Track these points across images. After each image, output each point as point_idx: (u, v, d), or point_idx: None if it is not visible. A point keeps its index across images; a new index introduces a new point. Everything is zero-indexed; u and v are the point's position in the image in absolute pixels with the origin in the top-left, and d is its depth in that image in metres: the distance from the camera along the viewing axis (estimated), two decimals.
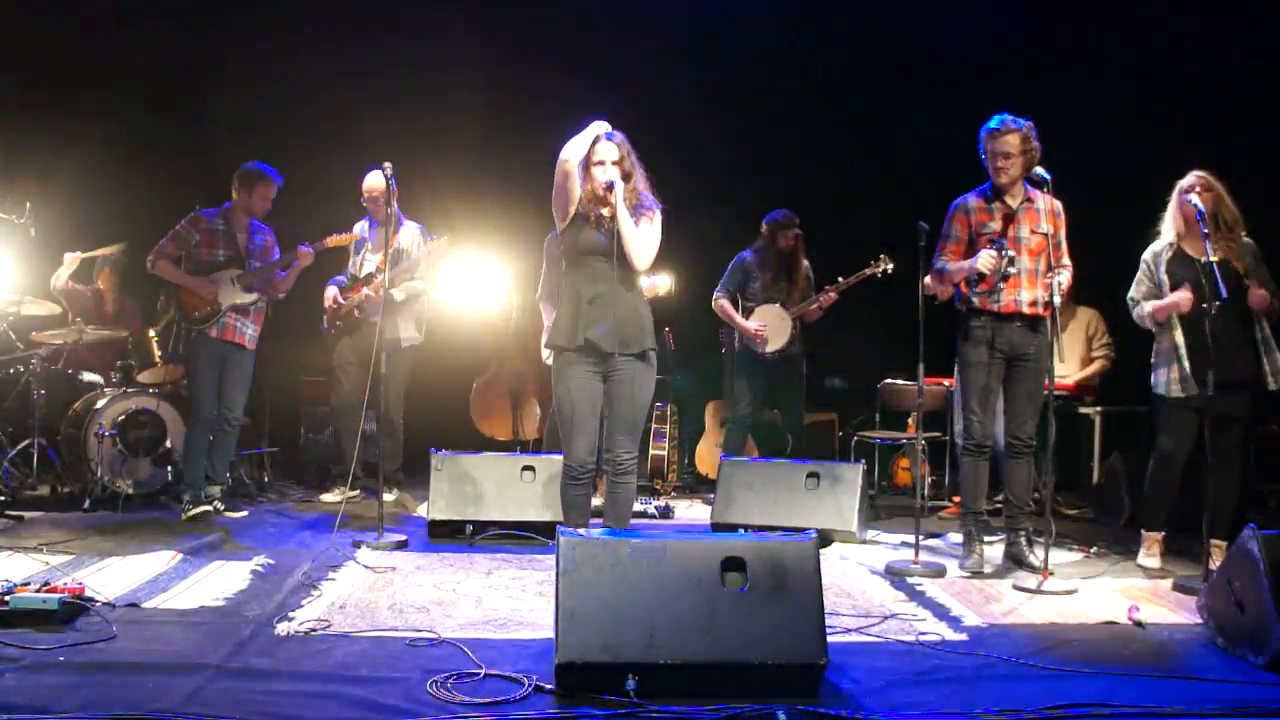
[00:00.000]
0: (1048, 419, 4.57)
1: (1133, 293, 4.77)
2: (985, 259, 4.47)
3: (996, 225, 4.57)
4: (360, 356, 5.97)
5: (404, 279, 6.00)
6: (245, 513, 5.64)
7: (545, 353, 6.01)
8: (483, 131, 7.42)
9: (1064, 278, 4.52)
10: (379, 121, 7.16)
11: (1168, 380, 4.67)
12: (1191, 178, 4.61)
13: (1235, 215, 4.58)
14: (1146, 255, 4.75)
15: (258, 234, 5.65)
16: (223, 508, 5.59)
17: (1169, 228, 4.71)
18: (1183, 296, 4.53)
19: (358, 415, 5.88)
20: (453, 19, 7.44)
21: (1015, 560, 4.69)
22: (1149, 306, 4.67)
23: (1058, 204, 4.58)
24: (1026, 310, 4.55)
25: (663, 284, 5.61)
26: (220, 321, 5.46)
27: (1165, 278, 4.65)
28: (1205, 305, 4.35)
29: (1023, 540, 4.71)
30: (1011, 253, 4.51)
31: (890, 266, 5.90)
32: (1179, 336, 4.62)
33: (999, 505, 5.33)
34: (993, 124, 4.52)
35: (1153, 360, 4.78)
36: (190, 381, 5.66)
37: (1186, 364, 4.58)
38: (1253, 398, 4.62)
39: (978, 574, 4.55)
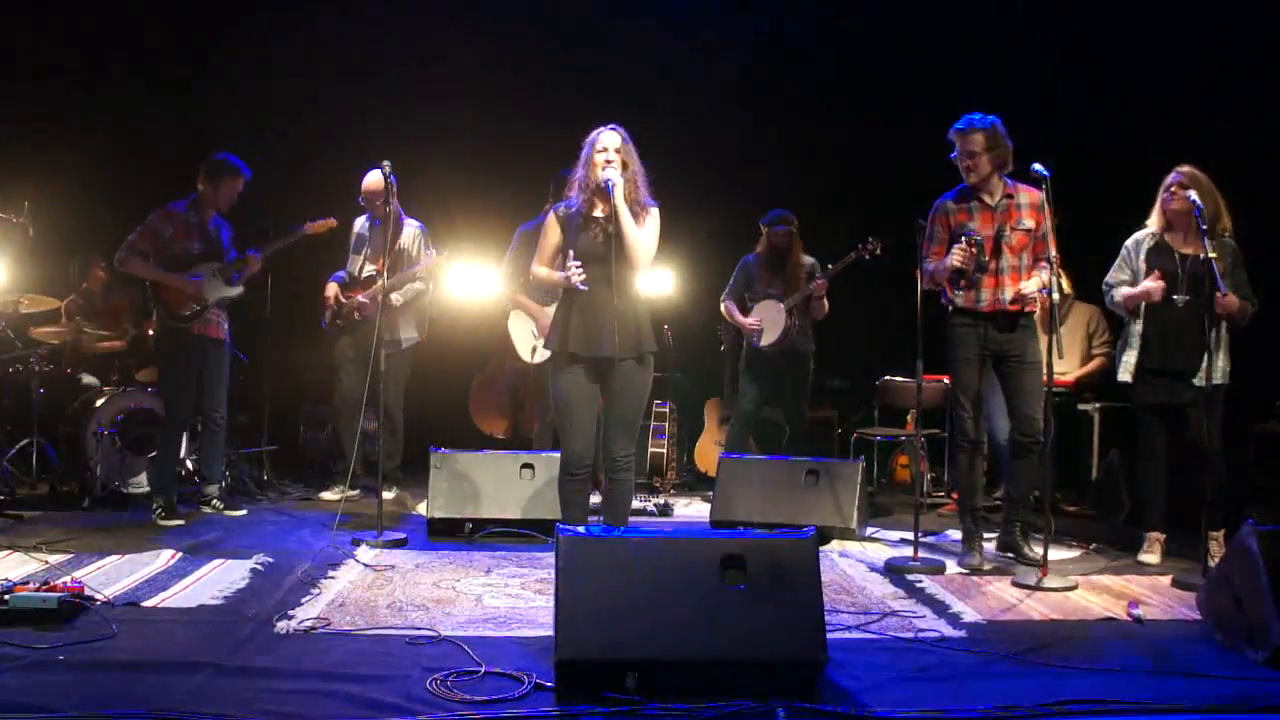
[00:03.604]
0: (1047, 416, 4.58)
1: (1109, 278, 4.84)
2: (955, 253, 4.52)
3: (976, 224, 4.61)
4: (360, 355, 5.94)
5: (405, 282, 5.99)
6: (244, 511, 5.63)
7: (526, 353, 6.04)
8: (483, 130, 7.41)
9: (1045, 275, 4.51)
10: (379, 121, 7.15)
11: (1119, 367, 4.77)
12: (1175, 174, 4.65)
13: (1217, 210, 4.61)
14: (1127, 243, 4.82)
15: (222, 227, 5.55)
16: (221, 506, 5.57)
17: (1153, 223, 4.76)
18: (1154, 285, 4.59)
19: (358, 413, 5.87)
20: (453, 18, 7.44)
21: (1009, 549, 4.76)
22: (1120, 294, 4.74)
23: (1041, 197, 4.50)
24: (1010, 307, 4.59)
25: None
26: (205, 318, 5.38)
27: (1143, 265, 4.71)
28: (1175, 298, 4.47)
29: (1017, 531, 4.78)
30: (979, 238, 4.54)
31: (878, 248, 5.88)
32: (1137, 326, 4.71)
33: (998, 502, 5.33)
34: (959, 124, 4.57)
35: (1118, 347, 4.85)
36: (165, 382, 5.59)
37: (1135, 353, 4.70)
38: (1211, 392, 4.62)
39: (977, 571, 4.55)
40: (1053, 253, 4.55)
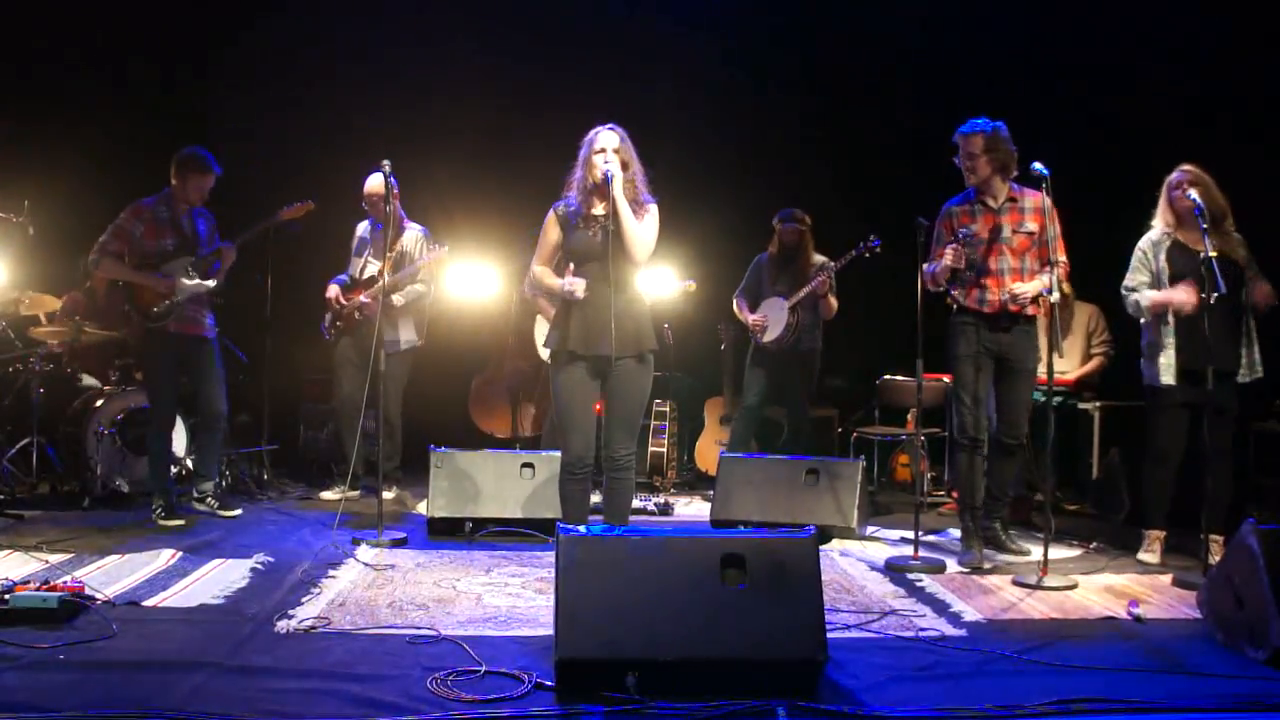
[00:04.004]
0: (1047, 416, 4.60)
1: (1128, 282, 4.81)
2: (948, 253, 4.61)
3: (977, 226, 4.68)
4: (361, 356, 5.92)
5: (406, 283, 5.98)
6: (239, 511, 5.57)
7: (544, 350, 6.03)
8: (483, 131, 7.41)
9: (1058, 272, 4.53)
10: (379, 121, 7.14)
11: (1158, 369, 4.71)
12: (1180, 173, 4.65)
13: (1223, 208, 4.62)
14: (1143, 244, 4.79)
15: (199, 218, 5.38)
16: (215, 504, 5.47)
17: (1160, 221, 4.75)
18: (1187, 299, 4.54)
19: (358, 414, 5.85)
20: (454, 19, 7.43)
21: (990, 543, 4.83)
22: (1147, 299, 4.70)
23: (1047, 201, 4.53)
24: (1010, 308, 4.64)
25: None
26: (181, 315, 5.25)
27: (1165, 266, 4.69)
28: (1204, 296, 4.37)
29: (997, 526, 4.86)
30: (976, 241, 4.59)
31: (878, 244, 5.88)
32: (1169, 326, 4.67)
33: None
34: (962, 128, 4.67)
35: (1143, 351, 4.83)
36: (147, 383, 5.52)
37: (1173, 353, 4.64)
38: (1239, 391, 4.65)
39: (977, 569, 4.56)
40: (1061, 257, 4.61)
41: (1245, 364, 4.63)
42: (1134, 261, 4.80)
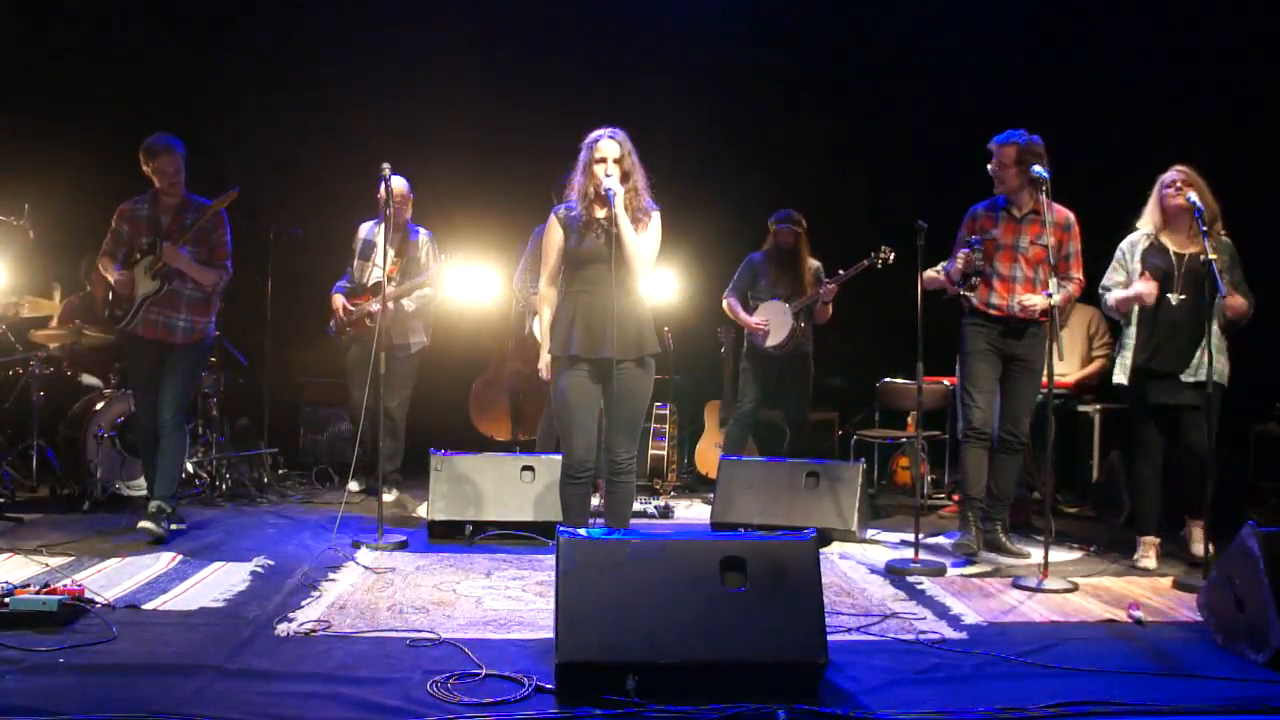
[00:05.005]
0: (1047, 418, 4.61)
1: (1105, 281, 4.87)
2: (959, 258, 4.77)
3: (998, 232, 4.80)
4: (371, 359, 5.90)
5: (414, 288, 5.98)
6: (164, 531, 4.81)
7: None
8: (483, 132, 7.42)
9: (1070, 288, 4.75)
10: (378, 122, 7.15)
11: (1118, 367, 4.78)
12: (1173, 173, 4.66)
13: (1215, 210, 4.62)
14: (1123, 245, 4.84)
15: (188, 212, 5.00)
16: (152, 527, 4.73)
17: (1147, 220, 4.78)
18: (1146, 290, 4.59)
19: (373, 415, 5.84)
20: (454, 19, 7.44)
21: (993, 548, 4.85)
22: (1113, 298, 4.76)
23: (1069, 216, 4.75)
24: (1019, 315, 4.74)
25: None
26: (139, 317, 4.96)
27: (1138, 266, 4.72)
28: (1170, 296, 4.51)
29: (998, 528, 4.89)
30: (978, 254, 4.73)
31: (891, 256, 5.86)
32: (1132, 328, 4.72)
33: None
34: (999, 137, 4.77)
35: (1115, 349, 4.88)
36: (130, 386, 5.46)
37: (1129, 354, 4.70)
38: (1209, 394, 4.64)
39: (969, 552, 4.69)
40: (1077, 274, 4.76)
41: (1207, 367, 4.49)
42: (1114, 261, 4.85)
